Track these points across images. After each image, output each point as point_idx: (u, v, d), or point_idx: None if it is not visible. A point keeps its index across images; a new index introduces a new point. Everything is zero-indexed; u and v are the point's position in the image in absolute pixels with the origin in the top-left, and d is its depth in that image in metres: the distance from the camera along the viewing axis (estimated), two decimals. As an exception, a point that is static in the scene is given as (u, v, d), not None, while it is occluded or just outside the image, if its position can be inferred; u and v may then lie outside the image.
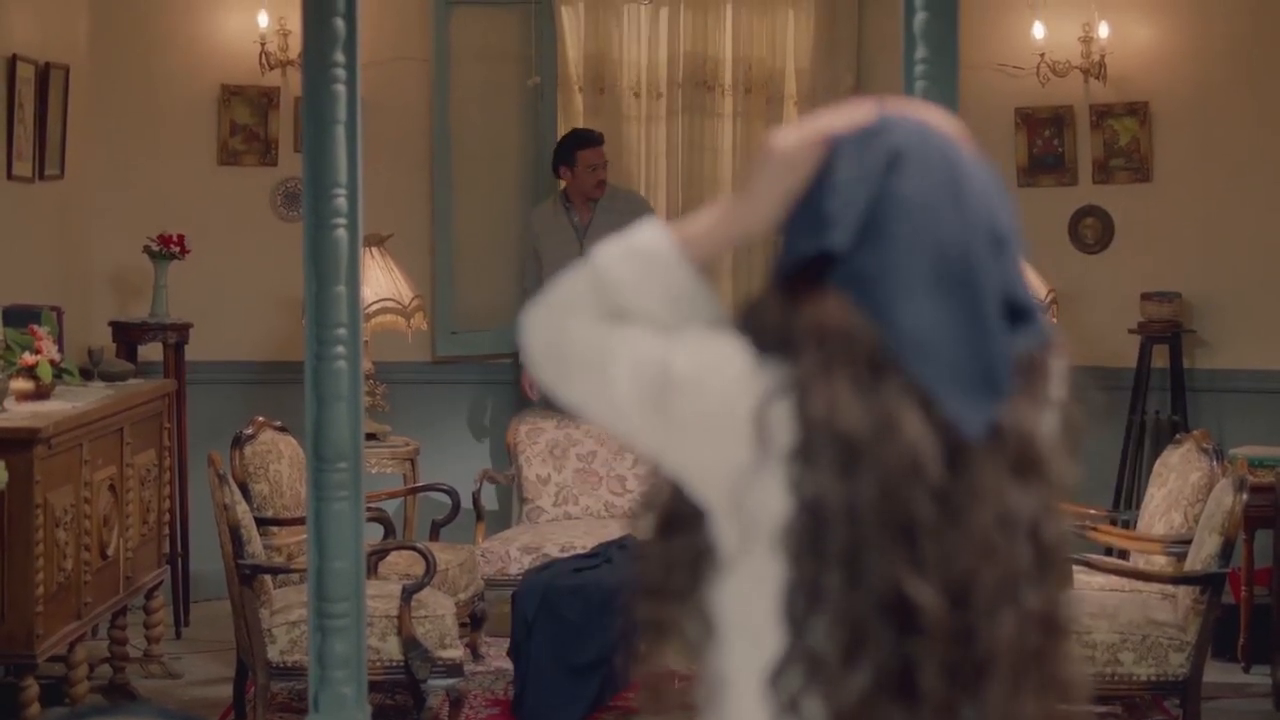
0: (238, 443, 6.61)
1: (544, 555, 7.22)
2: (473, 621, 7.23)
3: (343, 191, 4.31)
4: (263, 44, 8.30)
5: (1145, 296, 8.20)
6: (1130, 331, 8.23)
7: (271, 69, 8.35)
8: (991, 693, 1.68)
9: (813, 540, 1.66)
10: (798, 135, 1.77)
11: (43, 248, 7.78)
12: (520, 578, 6.92)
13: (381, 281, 7.78)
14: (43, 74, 7.53)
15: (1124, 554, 6.69)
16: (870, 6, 8.50)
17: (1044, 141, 8.46)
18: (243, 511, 6.18)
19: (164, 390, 7.15)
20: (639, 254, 1.78)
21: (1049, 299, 7.86)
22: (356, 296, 4.33)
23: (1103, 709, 6.40)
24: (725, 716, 1.75)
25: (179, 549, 7.76)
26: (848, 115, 1.78)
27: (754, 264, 8.20)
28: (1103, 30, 8.27)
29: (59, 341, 6.51)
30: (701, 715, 1.78)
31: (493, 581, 7.28)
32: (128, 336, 7.88)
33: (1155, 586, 6.21)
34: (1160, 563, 6.27)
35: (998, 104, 8.38)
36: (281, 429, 6.87)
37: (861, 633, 1.65)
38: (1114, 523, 6.98)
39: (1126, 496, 8.10)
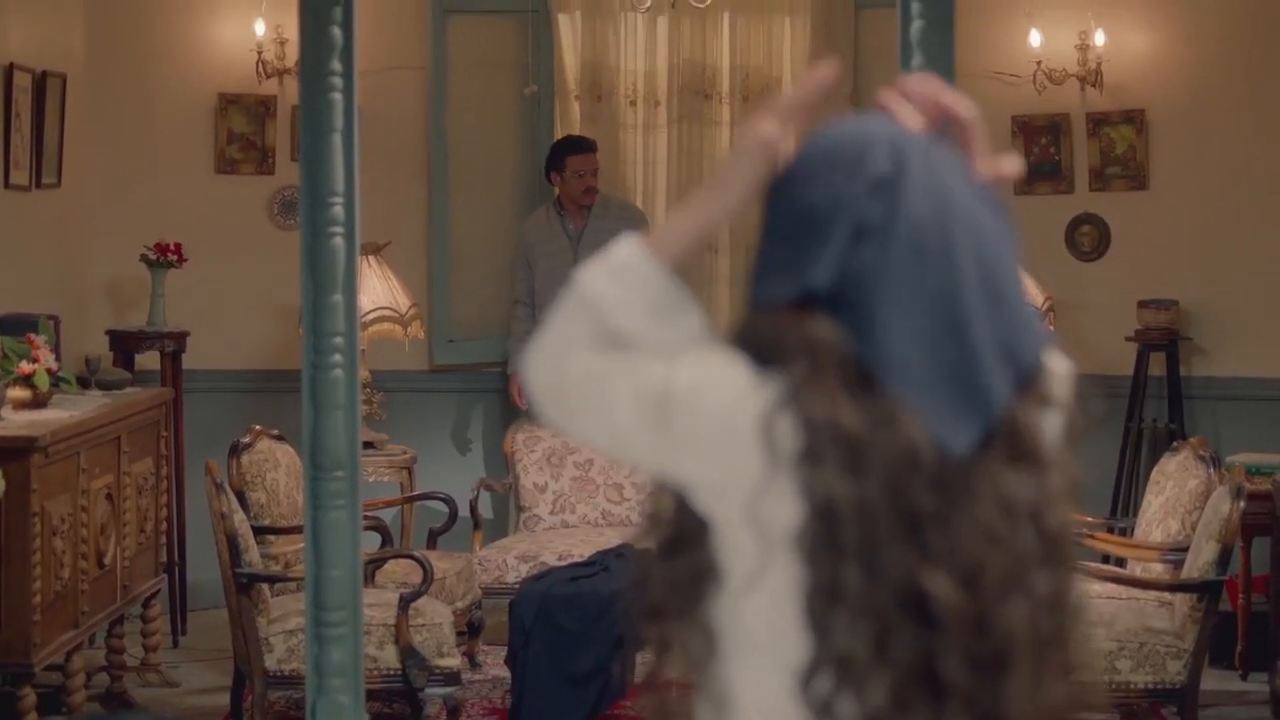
0: (235, 451, 6.61)
1: (541, 563, 7.22)
2: (470, 630, 7.22)
3: (340, 200, 4.31)
4: (260, 53, 8.30)
5: (1142, 304, 8.21)
6: (1127, 339, 8.24)
7: (268, 78, 8.35)
8: (1014, 681, 1.69)
9: (828, 539, 1.68)
10: (769, 121, 1.79)
11: (40, 256, 7.77)
12: (518, 586, 6.91)
13: (378, 290, 7.78)
14: (40, 82, 7.53)
15: (1121, 561, 6.69)
16: (866, 14, 8.51)
17: (1040, 149, 8.47)
18: (240, 520, 6.18)
19: (161, 399, 7.15)
20: (617, 269, 1.80)
21: (1046, 307, 7.87)
22: (353, 305, 4.33)
23: (1100, 717, 6.39)
24: None
25: (176, 558, 7.76)
26: (811, 87, 1.80)
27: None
28: (1099, 38, 8.28)
29: (56, 350, 6.51)
30: None
31: (490, 590, 7.28)
32: (125, 345, 7.88)
33: (1153, 594, 6.21)
34: (1157, 570, 6.27)
35: (994, 112, 8.38)
36: (279, 437, 6.86)
37: (886, 625, 1.66)
38: (1111, 530, 6.99)
39: (1124, 504, 8.11)
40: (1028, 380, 1.74)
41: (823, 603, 1.68)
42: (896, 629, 1.66)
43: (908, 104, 1.78)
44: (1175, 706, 6.04)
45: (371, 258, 7.74)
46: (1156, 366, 8.26)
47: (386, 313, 7.80)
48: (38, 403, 6.13)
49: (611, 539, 7.33)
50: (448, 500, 7.46)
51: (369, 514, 6.39)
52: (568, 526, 7.88)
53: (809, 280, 1.71)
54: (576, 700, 6.38)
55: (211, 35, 8.41)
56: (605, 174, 8.29)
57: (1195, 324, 8.33)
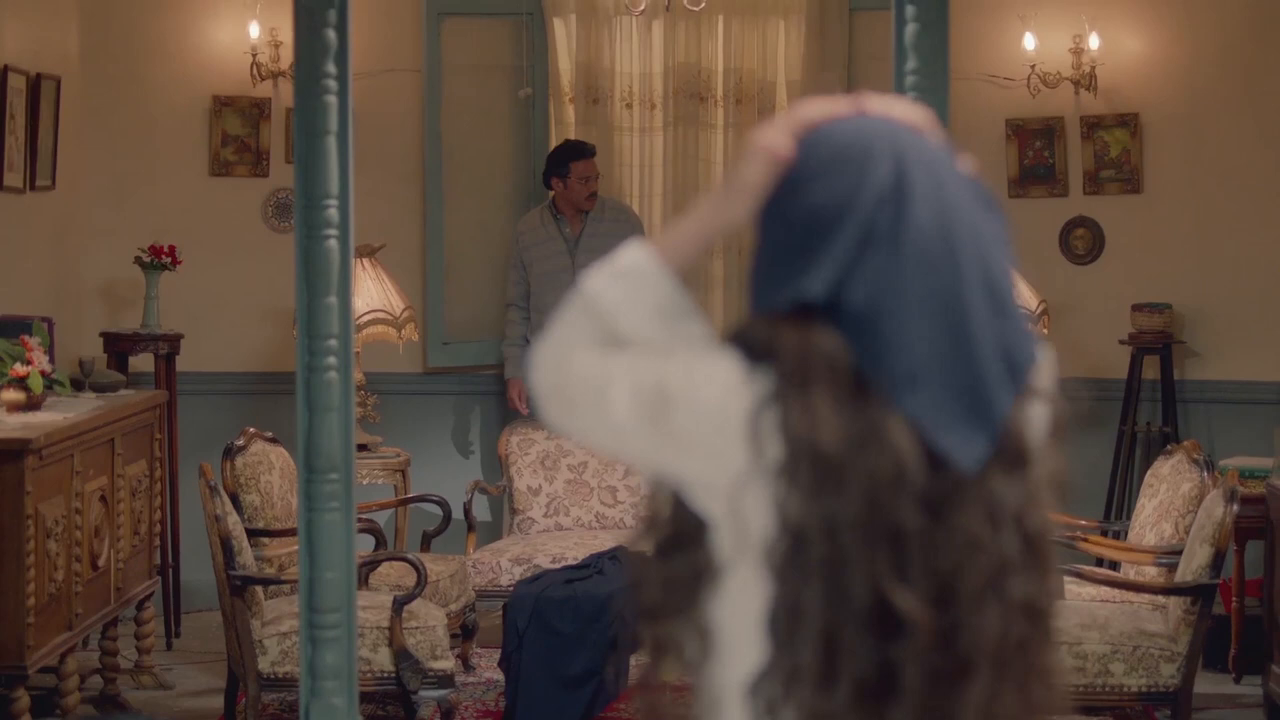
0: (229, 454, 6.61)
1: (535, 566, 7.22)
2: (464, 632, 7.23)
3: (334, 202, 4.30)
4: (254, 55, 8.30)
5: (1136, 308, 8.21)
6: (1121, 343, 8.24)
7: (263, 80, 8.35)
8: (972, 691, 1.69)
9: (794, 559, 1.68)
10: (779, 131, 1.79)
11: (34, 258, 7.77)
12: (511, 589, 6.91)
13: (373, 292, 7.78)
14: (34, 85, 7.52)
15: (1115, 565, 6.69)
16: (860, 18, 8.51)
17: (1035, 153, 8.47)
18: (234, 522, 6.18)
19: (155, 401, 7.14)
20: (624, 274, 1.81)
21: (1040, 311, 7.87)
22: (348, 307, 4.33)
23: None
24: None
25: (170, 560, 7.75)
26: (829, 108, 1.79)
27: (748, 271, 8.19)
28: (1093, 42, 8.28)
29: (50, 352, 6.50)
30: None
31: (484, 592, 7.28)
32: (119, 347, 7.87)
33: (1146, 597, 6.21)
34: (1151, 573, 6.28)
35: (988, 115, 8.39)
36: (272, 440, 6.86)
37: (838, 648, 1.67)
38: (1105, 533, 6.99)
39: (1117, 507, 8.12)
40: (1023, 383, 1.74)
41: (784, 619, 1.69)
42: (852, 649, 1.67)
43: (894, 100, 1.79)
44: (1169, 710, 6.04)
45: (366, 260, 7.75)
46: (1150, 370, 8.26)
47: (381, 315, 7.80)
48: (31, 405, 6.13)
49: (605, 542, 7.33)
50: (442, 503, 7.46)
51: (363, 516, 6.39)
52: (561, 529, 7.88)
53: (807, 290, 1.71)
54: (570, 703, 6.38)
55: (206, 38, 8.41)
56: (601, 177, 8.29)
57: (1189, 327, 8.33)
